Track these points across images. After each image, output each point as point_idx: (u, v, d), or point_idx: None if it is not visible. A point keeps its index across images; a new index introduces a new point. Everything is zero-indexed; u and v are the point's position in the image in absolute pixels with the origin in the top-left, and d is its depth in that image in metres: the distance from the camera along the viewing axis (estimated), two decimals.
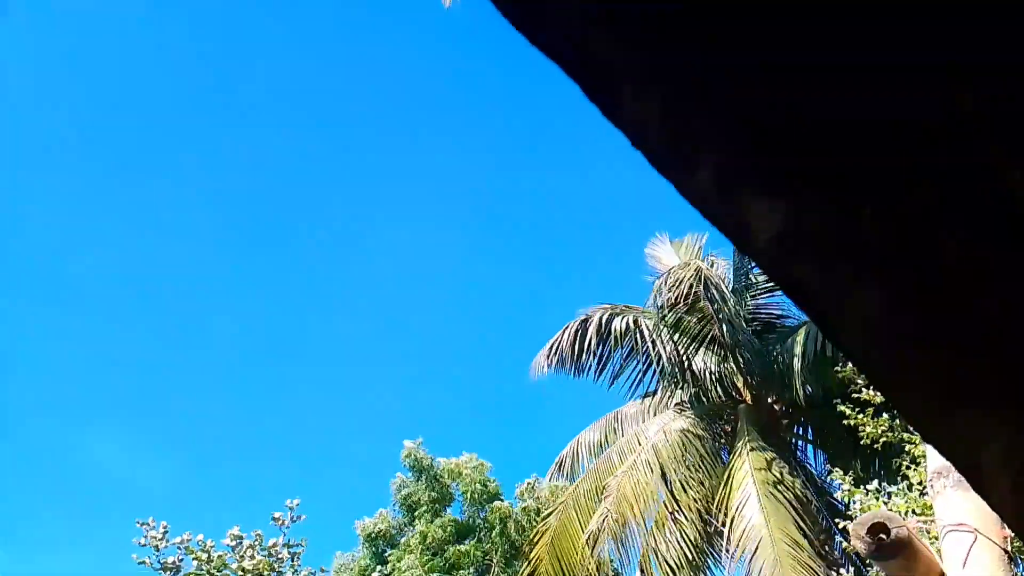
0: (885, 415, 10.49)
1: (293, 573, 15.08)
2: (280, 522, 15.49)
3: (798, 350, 13.88)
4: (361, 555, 18.46)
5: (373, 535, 18.54)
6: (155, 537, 14.74)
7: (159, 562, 14.81)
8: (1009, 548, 2.60)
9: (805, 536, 11.56)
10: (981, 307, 0.91)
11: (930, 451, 2.69)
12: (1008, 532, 2.60)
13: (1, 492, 31.35)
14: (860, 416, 10.45)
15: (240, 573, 14.73)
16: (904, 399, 1.11)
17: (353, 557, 18.49)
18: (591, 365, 15.21)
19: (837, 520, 11.96)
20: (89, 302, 38.92)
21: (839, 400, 10.63)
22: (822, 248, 0.87)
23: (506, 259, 43.18)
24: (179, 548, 14.99)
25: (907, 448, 9.15)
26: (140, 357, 39.72)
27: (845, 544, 10.71)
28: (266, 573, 14.84)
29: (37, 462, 37.31)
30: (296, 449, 41.83)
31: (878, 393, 10.51)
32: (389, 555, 17.61)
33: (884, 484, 10.26)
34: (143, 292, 40.36)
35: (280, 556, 15.13)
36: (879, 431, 10.28)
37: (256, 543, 15.11)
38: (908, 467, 9.78)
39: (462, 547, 17.45)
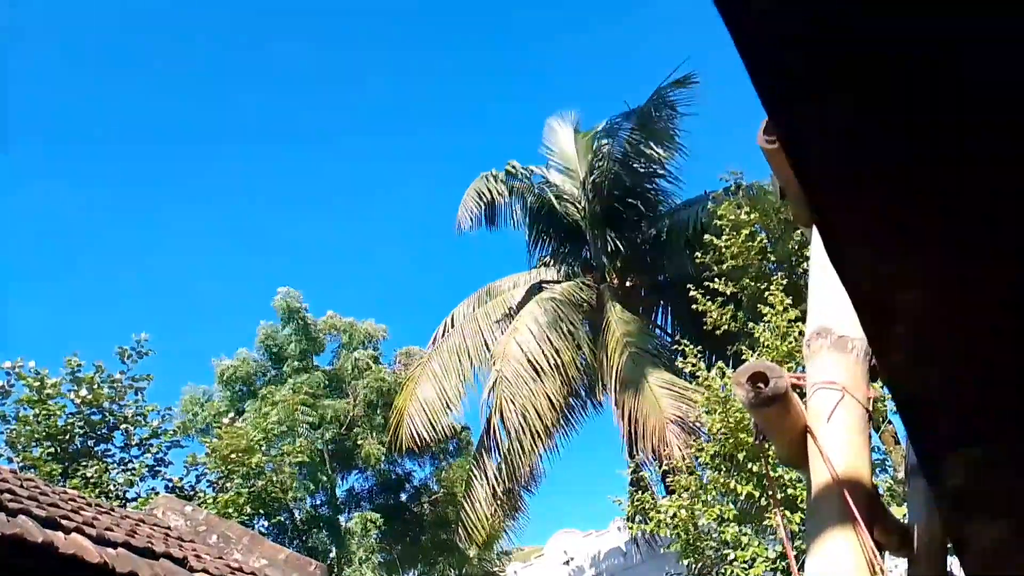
0: (731, 306, 11.36)
1: (136, 406, 14.58)
2: (126, 356, 14.84)
3: (660, 237, 14.65)
4: (219, 397, 17.97)
5: (232, 377, 18.15)
6: None
7: None
8: (871, 408, 2.72)
9: (679, 378, 12.72)
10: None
11: (811, 312, 2.85)
12: (873, 393, 2.72)
13: None
14: (709, 303, 11.25)
15: (76, 402, 14.11)
16: (852, 223, 1.22)
17: (205, 391, 17.97)
18: (492, 225, 15.88)
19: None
20: None
21: (693, 286, 11.33)
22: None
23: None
24: (8, 373, 14.09)
25: (756, 333, 9.97)
26: None
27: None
28: (106, 404, 14.30)
29: None
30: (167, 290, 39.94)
31: (730, 283, 11.34)
32: (248, 404, 17.25)
33: (726, 366, 11.22)
34: None
35: (122, 389, 14.57)
36: (723, 319, 11.15)
37: (96, 374, 14.44)
38: (746, 352, 10.72)
39: (332, 402, 17.50)
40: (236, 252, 43.11)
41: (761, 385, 2.52)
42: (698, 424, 12.08)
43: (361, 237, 44.54)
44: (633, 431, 12.70)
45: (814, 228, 3.19)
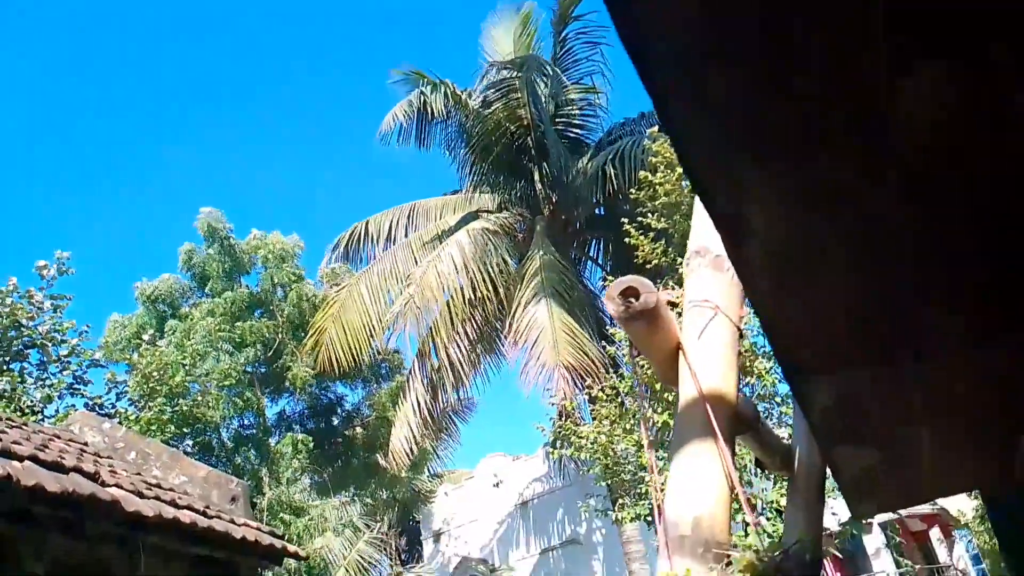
0: (663, 241, 11.58)
1: (54, 325, 14.11)
2: (45, 272, 14.29)
3: (597, 170, 14.66)
4: (138, 314, 17.58)
5: (153, 297, 17.68)
6: None
7: None
8: (742, 327, 2.76)
9: (581, 328, 12.84)
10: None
11: (693, 232, 2.86)
12: (744, 312, 2.77)
13: None
14: (641, 238, 11.45)
15: None
16: (697, 137, 1.21)
17: (130, 319, 17.53)
18: (423, 142, 15.52)
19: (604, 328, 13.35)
20: None
21: (627, 220, 11.48)
22: None
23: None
24: None
25: (679, 269, 10.18)
26: None
27: (609, 348, 12.04)
28: (23, 320, 13.81)
29: None
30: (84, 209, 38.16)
31: (663, 218, 11.51)
32: (169, 323, 16.89)
33: None
34: None
35: (40, 306, 14.08)
36: (654, 253, 11.39)
37: (11, 290, 13.91)
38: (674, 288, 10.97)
39: (252, 323, 17.17)
40: (151, 171, 41.02)
41: (632, 300, 2.51)
42: (590, 368, 12.44)
43: (264, 142, 42.83)
44: (527, 368, 12.89)
45: None
